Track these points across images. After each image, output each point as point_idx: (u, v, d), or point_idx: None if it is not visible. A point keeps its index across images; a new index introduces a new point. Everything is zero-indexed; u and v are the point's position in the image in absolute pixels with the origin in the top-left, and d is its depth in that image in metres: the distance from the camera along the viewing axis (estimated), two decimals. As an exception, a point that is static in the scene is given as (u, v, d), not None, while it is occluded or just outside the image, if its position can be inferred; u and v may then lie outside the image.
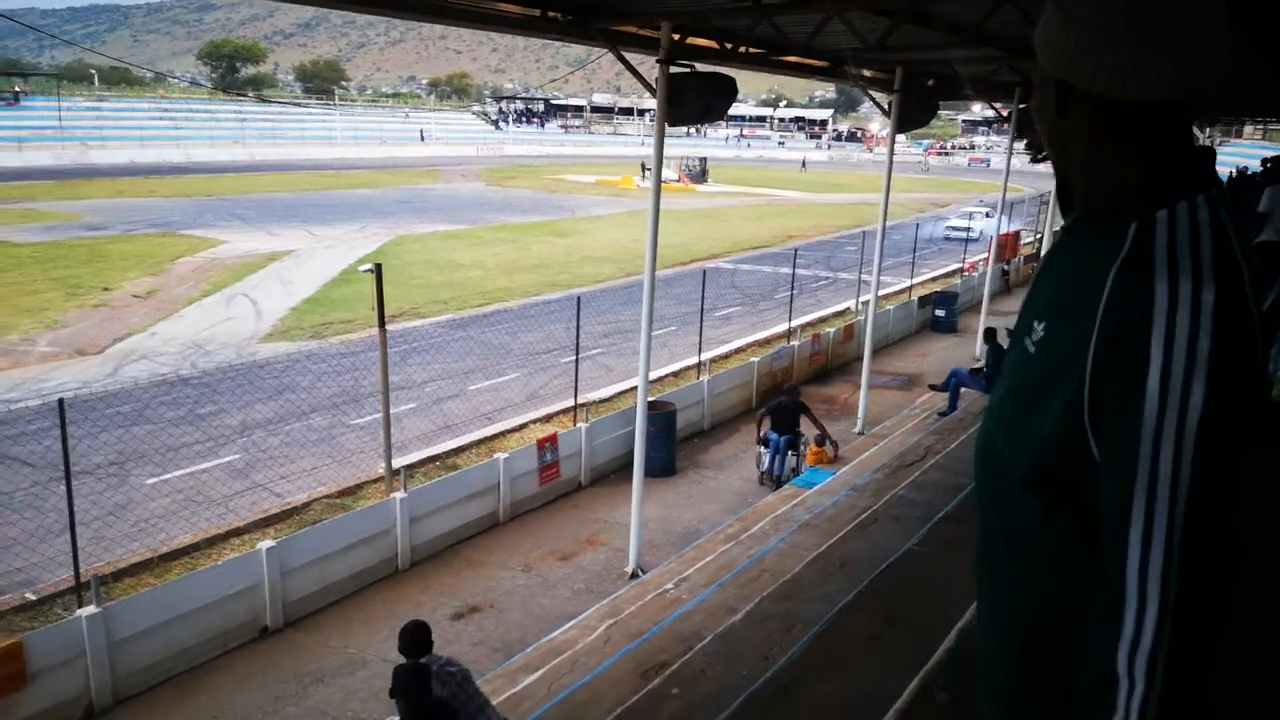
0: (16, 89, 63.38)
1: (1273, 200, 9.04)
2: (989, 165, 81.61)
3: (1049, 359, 1.20)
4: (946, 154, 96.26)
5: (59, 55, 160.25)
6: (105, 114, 62.63)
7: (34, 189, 38.72)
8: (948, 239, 31.58)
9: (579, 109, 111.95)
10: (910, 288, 23.00)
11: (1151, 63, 1.13)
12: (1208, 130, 37.99)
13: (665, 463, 11.87)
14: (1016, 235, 27.51)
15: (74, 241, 26.31)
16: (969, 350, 17.84)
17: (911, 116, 12.93)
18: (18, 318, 17.62)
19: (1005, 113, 17.91)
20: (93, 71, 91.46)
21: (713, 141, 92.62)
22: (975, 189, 56.77)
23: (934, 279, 25.80)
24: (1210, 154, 1.21)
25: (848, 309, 21.33)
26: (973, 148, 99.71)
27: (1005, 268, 24.96)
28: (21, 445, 11.25)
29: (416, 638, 4.95)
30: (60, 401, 7.80)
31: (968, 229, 32.14)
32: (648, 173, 42.85)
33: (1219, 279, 1.08)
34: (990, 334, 13.54)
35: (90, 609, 6.91)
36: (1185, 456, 1.04)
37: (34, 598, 8.18)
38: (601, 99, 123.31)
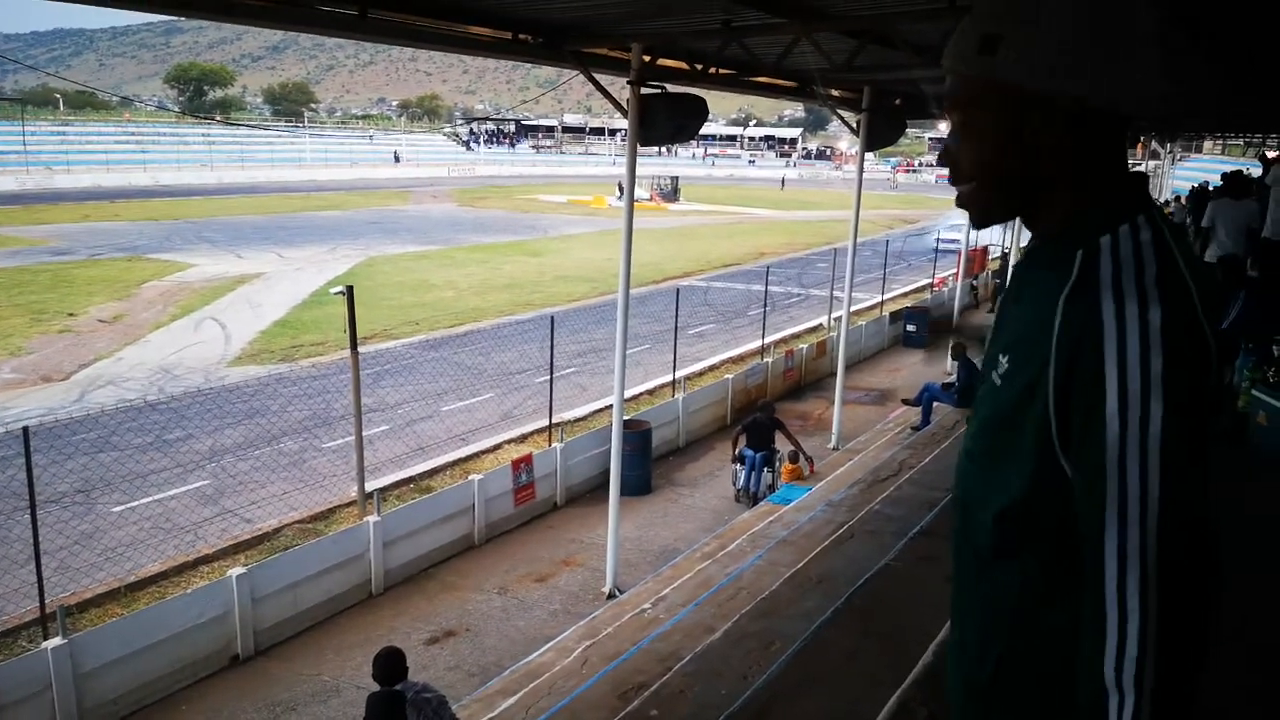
0: (-21, 113, 62.55)
1: (1214, 214, 9.24)
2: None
3: (1014, 391, 1.21)
4: (915, 171, 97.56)
5: (23, 80, 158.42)
6: (70, 138, 61.91)
7: (-3, 214, 38.13)
8: (938, 251, 31.83)
9: (550, 129, 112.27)
10: (881, 303, 23.20)
11: (1106, 75, 1.14)
12: (1168, 146, 38.77)
13: (641, 481, 11.85)
14: (984, 250, 27.88)
15: (38, 267, 25.90)
16: (940, 365, 18.01)
17: (880, 135, 13.09)
18: (-20, 344, 17.30)
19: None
20: (57, 96, 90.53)
21: (683, 161, 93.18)
22: (944, 205, 57.49)
23: (905, 294, 26.05)
24: (1144, 178, 1.24)
25: (820, 325, 21.47)
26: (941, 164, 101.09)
27: (974, 283, 25.26)
28: (-16, 474, 11.00)
29: (391, 664, 4.89)
30: (25, 429, 7.65)
31: (955, 240, 32.29)
32: (622, 192, 43.09)
33: (1165, 298, 1.09)
34: (959, 349, 13.67)
35: (56, 640, 6.75)
36: (1151, 471, 1.06)
37: (-3, 631, 7.99)
38: (573, 119, 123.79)
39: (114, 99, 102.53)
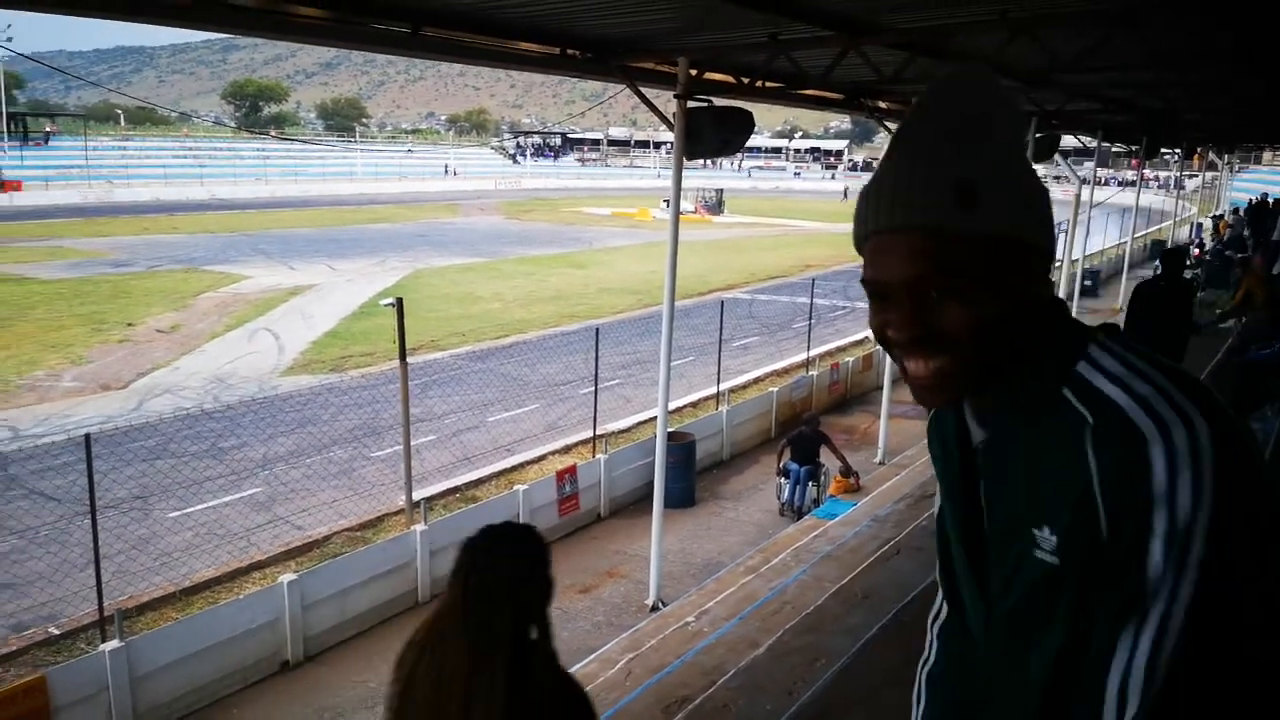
0: (46, 129, 64.77)
1: None
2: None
3: (1056, 562, 1.04)
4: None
5: (86, 96, 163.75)
6: (130, 153, 63.87)
7: (61, 227, 39.37)
8: None
9: (596, 143, 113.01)
10: (929, 317, 22.88)
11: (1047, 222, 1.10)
12: (1225, 157, 37.84)
13: (684, 494, 11.83)
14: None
15: (99, 278, 26.70)
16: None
17: (928, 146, 12.96)
18: (44, 353, 17.86)
19: (1021, 142, 17.91)
20: (119, 112, 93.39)
21: (728, 174, 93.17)
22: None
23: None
24: (1064, 305, 1.14)
25: (866, 338, 21.27)
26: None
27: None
28: (47, 480, 11.35)
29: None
30: (87, 437, 7.89)
31: None
32: (666, 205, 43.14)
33: (1202, 401, 0.97)
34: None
35: (114, 643, 6.92)
36: (1181, 601, 0.92)
37: (57, 632, 8.22)
38: (618, 132, 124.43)
39: (173, 114, 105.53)
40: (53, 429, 13.23)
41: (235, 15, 5.74)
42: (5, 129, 58.72)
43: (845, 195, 76.94)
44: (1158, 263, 8.45)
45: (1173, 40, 7.88)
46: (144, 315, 21.78)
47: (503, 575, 1.95)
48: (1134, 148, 25.21)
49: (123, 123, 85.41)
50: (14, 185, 50.08)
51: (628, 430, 14.06)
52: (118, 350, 18.54)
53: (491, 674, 1.88)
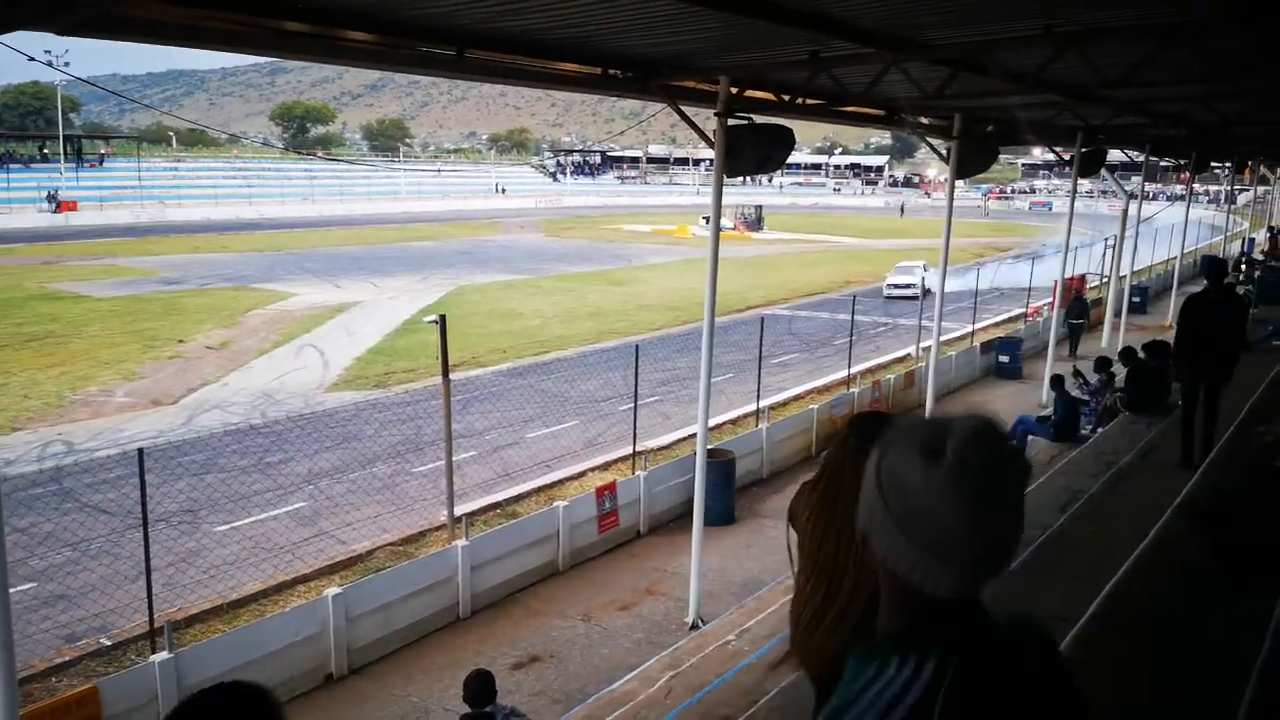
0: (101, 151, 66.71)
1: None
2: (1051, 209, 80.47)
3: None
4: (1007, 198, 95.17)
5: (139, 118, 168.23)
6: (182, 173, 65.63)
7: (114, 245, 40.50)
8: (889, 299, 29.35)
9: (635, 160, 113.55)
10: (972, 333, 22.65)
11: (949, 571, 1.16)
12: (1278, 170, 36.91)
13: (724, 511, 11.78)
14: (1082, 279, 26.97)
15: (151, 296, 27.38)
16: (1034, 397, 17.45)
17: (971, 162, 12.87)
18: (98, 369, 18.34)
19: (1067, 156, 17.71)
20: (171, 133, 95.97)
21: (767, 190, 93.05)
22: (1037, 231, 55.94)
23: (996, 324, 25.38)
24: (970, 606, 1.22)
25: (908, 355, 21.06)
26: (1033, 191, 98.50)
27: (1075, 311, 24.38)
28: (100, 493, 11.63)
29: (481, 686, 4.97)
30: (140, 451, 8.07)
31: (910, 285, 29.12)
32: (705, 221, 43.07)
33: None
34: (1058, 381, 13.24)
35: (163, 654, 7.05)
36: None
37: (109, 643, 8.39)
38: (657, 150, 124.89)
39: (223, 136, 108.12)
40: (106, 443, 13.56)
41: (288, 40, 5.89)
42: (62, 151, 60.62)
43: (902, 212, 76.64)
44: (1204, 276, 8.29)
45: (1225, 52, 7.74)
46: (194, 332, 22.28)
47: None
48: (1183, 162, 24.76)
49: (174, 144, 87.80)
50: (70, 206, 51.61)
51: (667, 447, 14.05)
52: (169, 366, 18.96)
53: None
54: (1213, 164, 30.67)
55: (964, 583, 1.17)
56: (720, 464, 11.74)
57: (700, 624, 9.09)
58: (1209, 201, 59.71)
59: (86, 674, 7.80)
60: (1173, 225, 31.04)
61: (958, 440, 1.14)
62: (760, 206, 62.57)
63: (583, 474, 13.06)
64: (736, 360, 18.86)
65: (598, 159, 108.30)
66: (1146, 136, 17.78)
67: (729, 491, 11.98)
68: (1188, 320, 7.74)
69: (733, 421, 15.56)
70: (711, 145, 8.60)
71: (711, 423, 12.31)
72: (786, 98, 9.35)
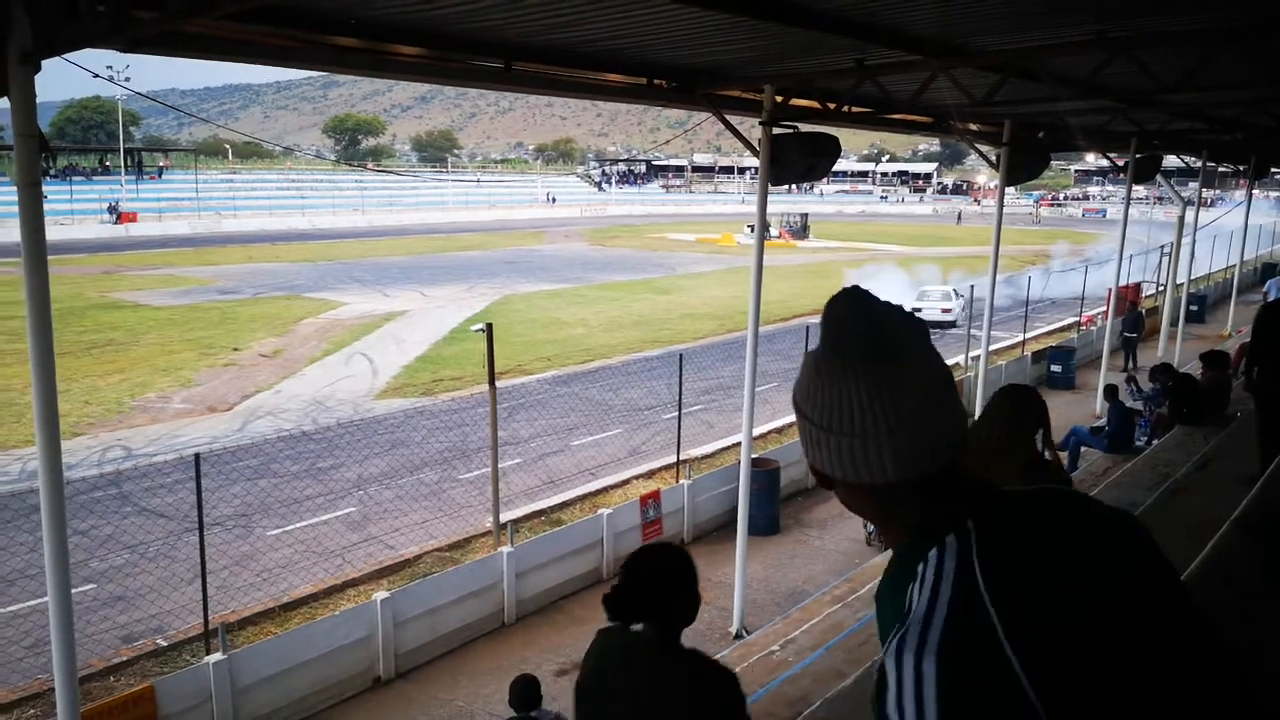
0: (160, 164, 68.59)
1: None
2: (1105, 216, 78.88)
3: None
4: (1059, 205, 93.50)
5: (196, 132, 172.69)
6: (238, 185, 67.17)
7: (172, 256, 41.60)
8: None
9: (680, 169, 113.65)
10: (1023, 342, 22.26)
11: (884, 447, 1.11)
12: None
13: (769, 521, 11.73)
14: (1137, 287, 26.38)
15: (207, 305, 28.06)
16: (1088, 408, 17.10)
17: (1021, 169, 12.69)
18: (155, 376, 18.83)
19: (1121, 162, 17.37)
20: (227, 146, 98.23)
21: (812, 198, 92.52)
22: (1089, 239, 54.85)
23: (1049, 333, 24.92)
24: (957, 489, 1.14)
25: (957, 364, 20.76)
26: (1087, 198, 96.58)
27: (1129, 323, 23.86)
28: (158, 497, 11.95)
29: (527, 692, 5.01)
30: (196, 457, 8.27)
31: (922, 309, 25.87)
32: (750, 230, 43.01)
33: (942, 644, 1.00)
34: (1111, 391, 12.96)
35: (217, 656, 7.22)
36: None
37: (165, 644, 8.60)
38: (702, 159, 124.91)
39: (277, 149, 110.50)
40: (163, 449, 13.92)
41: (340, 55, 6.03)
42: (123, 164, 62.46)
43: (960, 219, 75.85)
44: (1267, 286, 8.04)
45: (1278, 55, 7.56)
46: (249, 340, 22.77)
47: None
48: (1242, 167, 24.13)
49: (230, 157, 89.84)
50: (130, 217, 53.17)
51: (711, 456, 14.02)
52: (224, 374, 19.41)
53: None
54: (1273, 170, 29.81)
55: (904, 456, 1.11)
56: (765, 473, 11.69)
57: (744, 633, 9.05)
58: (1270, 207, 58.02)
59: (143, 673, 8.00)
60: (1231, 232, 30.23)
61: (823, 318, 1.17)
62: (806, 214, 62.23)
63: (627, 482, 13.09)
64: (781, 369, 18.77)
65: (643, 168, 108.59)
66: (1203, 142, 17.37)
67: (773, 501, 11.92)
68: (1268, 329, 7.47)
69: (778, 430, 15.48)
70: (756, 154, 8.60)
71: (756, 432, 12.27)
72: (832, 105, 9.32)
